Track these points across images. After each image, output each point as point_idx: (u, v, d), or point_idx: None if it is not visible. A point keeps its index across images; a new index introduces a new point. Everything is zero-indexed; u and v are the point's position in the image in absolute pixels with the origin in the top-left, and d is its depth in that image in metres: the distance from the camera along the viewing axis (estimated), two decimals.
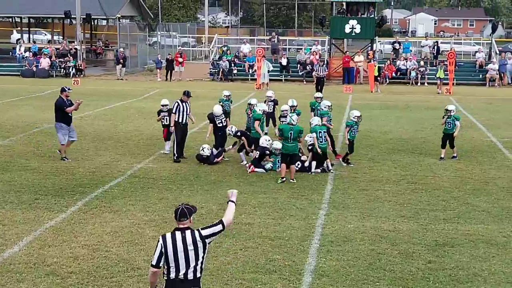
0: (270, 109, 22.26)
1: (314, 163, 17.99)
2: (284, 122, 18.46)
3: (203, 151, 18.74)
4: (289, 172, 17.00)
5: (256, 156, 18.21)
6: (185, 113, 19.11)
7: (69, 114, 19.08)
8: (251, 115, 19.82)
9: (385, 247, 12.17)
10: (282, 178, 16.89)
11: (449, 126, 19.54)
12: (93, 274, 10.70)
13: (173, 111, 19.07)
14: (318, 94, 22.10)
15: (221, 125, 19.31)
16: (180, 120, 19.06)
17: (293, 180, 16.88)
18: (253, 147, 18.85)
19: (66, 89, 19.14)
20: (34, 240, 12.29)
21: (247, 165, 18.23)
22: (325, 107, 20.21)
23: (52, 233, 12.64)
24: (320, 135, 17.98)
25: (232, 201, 8.03)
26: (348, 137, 18.82)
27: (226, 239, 12.34)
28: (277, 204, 14.87)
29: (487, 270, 11.14)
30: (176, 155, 18.97)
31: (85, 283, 10.35)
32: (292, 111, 19.99)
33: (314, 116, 19.96)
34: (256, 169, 17.97)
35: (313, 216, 13.98)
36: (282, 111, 19.85)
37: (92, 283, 10.36)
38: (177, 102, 19.20)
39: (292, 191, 16.04)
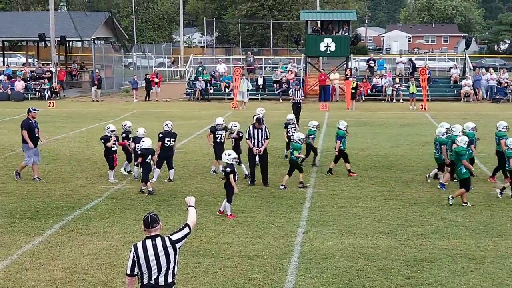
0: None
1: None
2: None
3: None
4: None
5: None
6: (259, 138, 18.86)
7: (36, 135, 19.42)
8: None
9: (364, 263, 12.19)
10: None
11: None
12: None
13: (246, 136, 18.96)
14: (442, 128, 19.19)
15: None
16: (255, 145, 18.80)
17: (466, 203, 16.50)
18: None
19: (32, 110, 19.58)
20: (11, 264, 12.17)
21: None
22: (470, 130, 19.32)
23: (29, 257, 12.52)
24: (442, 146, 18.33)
25: (192, 206, 8.54)
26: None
27: (205, 259, 12.30)
28: (256, 222, 14.85)
29: (466, 284, 11.19)
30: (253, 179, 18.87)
31: None
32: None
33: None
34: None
35: (292, 234, 13.98)
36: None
37: None
38: (249, 127, 19.08)
39: (270, 209, 16.03)
